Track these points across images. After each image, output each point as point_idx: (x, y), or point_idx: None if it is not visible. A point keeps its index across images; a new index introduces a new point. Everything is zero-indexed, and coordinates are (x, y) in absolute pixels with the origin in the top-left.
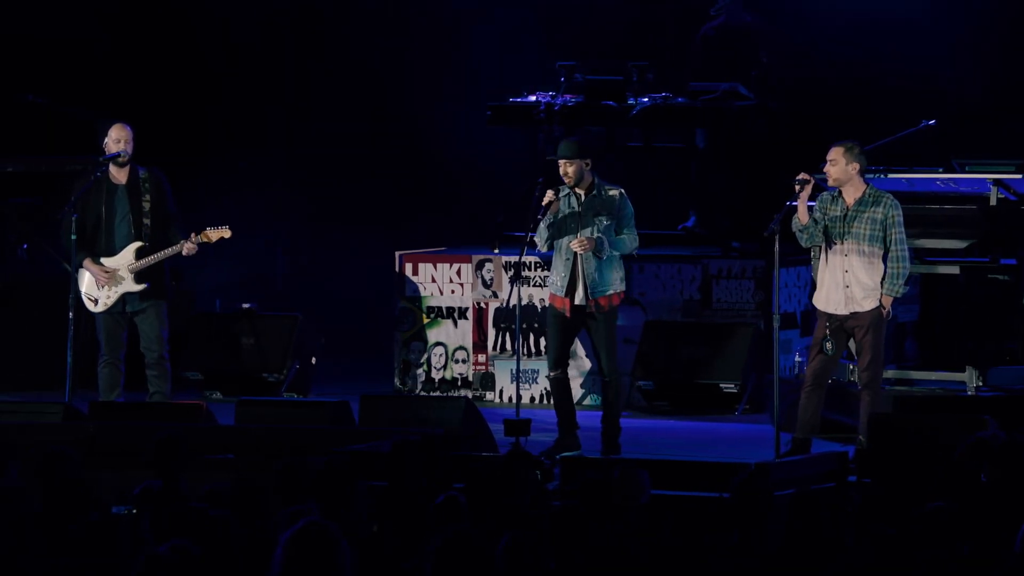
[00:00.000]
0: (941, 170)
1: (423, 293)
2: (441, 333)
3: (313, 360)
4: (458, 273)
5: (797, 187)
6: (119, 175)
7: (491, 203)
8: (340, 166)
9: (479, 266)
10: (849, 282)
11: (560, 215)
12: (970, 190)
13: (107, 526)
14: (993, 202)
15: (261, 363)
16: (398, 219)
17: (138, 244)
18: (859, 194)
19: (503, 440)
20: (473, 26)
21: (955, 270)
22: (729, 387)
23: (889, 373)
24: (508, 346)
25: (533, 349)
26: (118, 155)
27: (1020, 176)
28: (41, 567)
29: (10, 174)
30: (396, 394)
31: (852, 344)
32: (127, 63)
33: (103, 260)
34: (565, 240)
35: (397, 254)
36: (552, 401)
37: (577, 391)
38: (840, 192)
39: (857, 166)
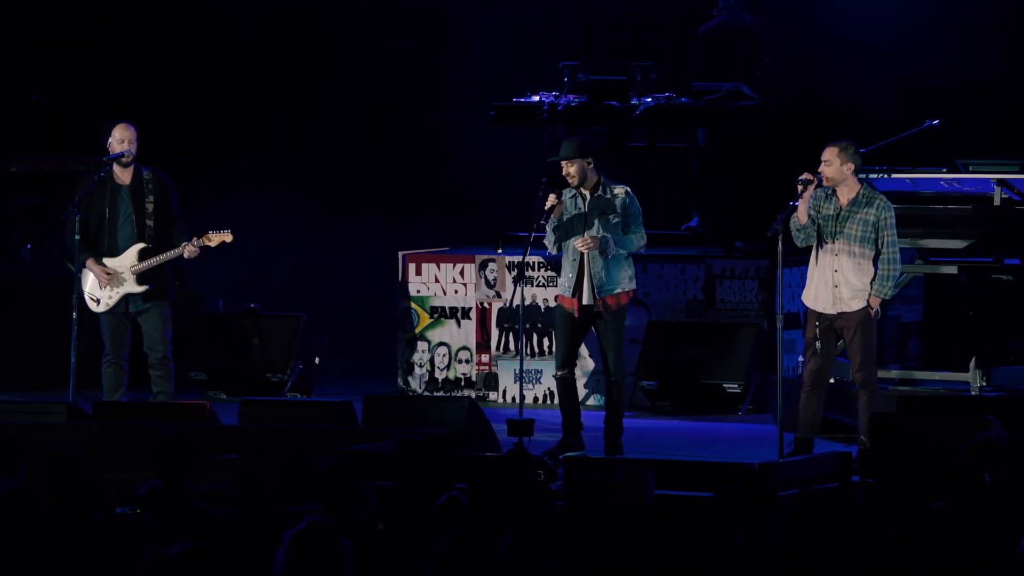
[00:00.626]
0: (945, 170)
1: (426, 293)
2: (444, 333)
3: (316, 360)
4: (461, 273)
5: (800, 187)
6: (123, 175)
7: (495, 203)
8: (342, 166)
9: (482, 266)
10: (838, 282)
11: (566, 216)
12: (973, 190)
13: (110, 526)
14: (996, 202)
15: (265, 363)
16: (401, 219)
17: (141, 245)
18: (853, 194)
19: (506, 440)
20: (476, 26)
21: (958, 270)
22: (732, 387)
23: (892, 373)
24: (511, 346)
25: (536, 349)
26: (122, 155)
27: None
28: (44, 567)
29: (14, 174)
30: (399, 394)
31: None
32: (127, 63)
33: (106, 260)
34: (572, 241)
35: (401, 254)
36: (557, 400)
37: (580, 391)
38: (834, 191)
39: (852, 166)
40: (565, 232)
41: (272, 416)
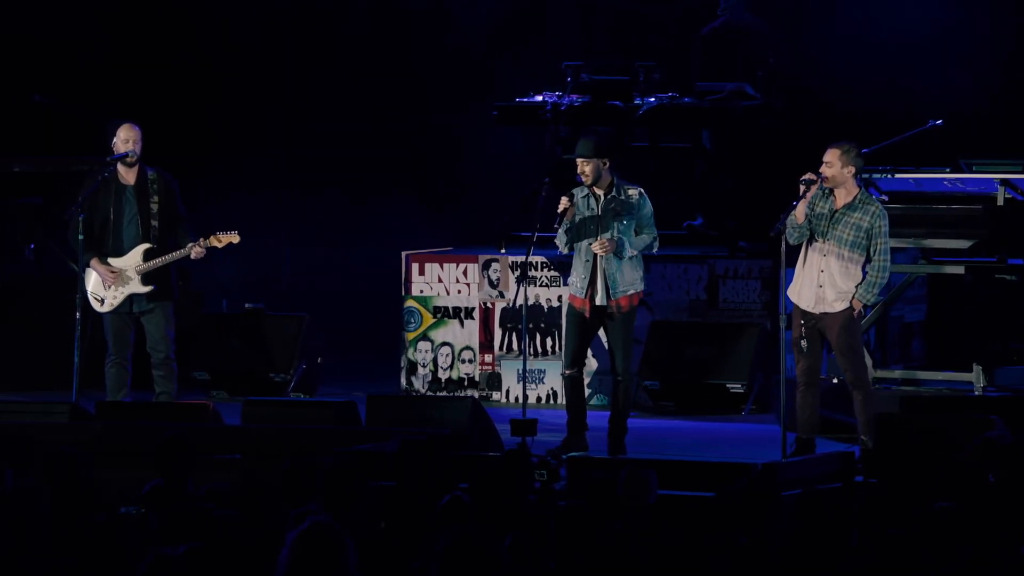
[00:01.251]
0: (948, 170)
1: (430, 293)
2: (448, 333)
3: (320, 360)
4: (464, 273)
5: (803, 187)
6: (127, 175)
7: (497, 203)
8: (344, 166)
9: (485, 266)
10: (823, 282)
11: (579, 216)
12: (977, 190)
13: (113, 526)
14: (1000, 202)
15: (268, 363)
16: (404, 219)
17: (146, 246)
18: (850, 198)
19: (510, 440)
20: (479, 26)
21: (962, 270)
22: (735, 387)
23: (896, 373)
24: (515, 346)
25: (540, 349)
26: (126, 155)
27: None
28: (47, 567)
29: (17, 174)
30: (402, 394)
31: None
32: (128, 63)
33: (110, 260)
34: (585, 242)
35: (404, 254)
36: (564, 399)
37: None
38: (832, 191)
39: (853, 169)
40: (578, 233)
41: (275, 416)
